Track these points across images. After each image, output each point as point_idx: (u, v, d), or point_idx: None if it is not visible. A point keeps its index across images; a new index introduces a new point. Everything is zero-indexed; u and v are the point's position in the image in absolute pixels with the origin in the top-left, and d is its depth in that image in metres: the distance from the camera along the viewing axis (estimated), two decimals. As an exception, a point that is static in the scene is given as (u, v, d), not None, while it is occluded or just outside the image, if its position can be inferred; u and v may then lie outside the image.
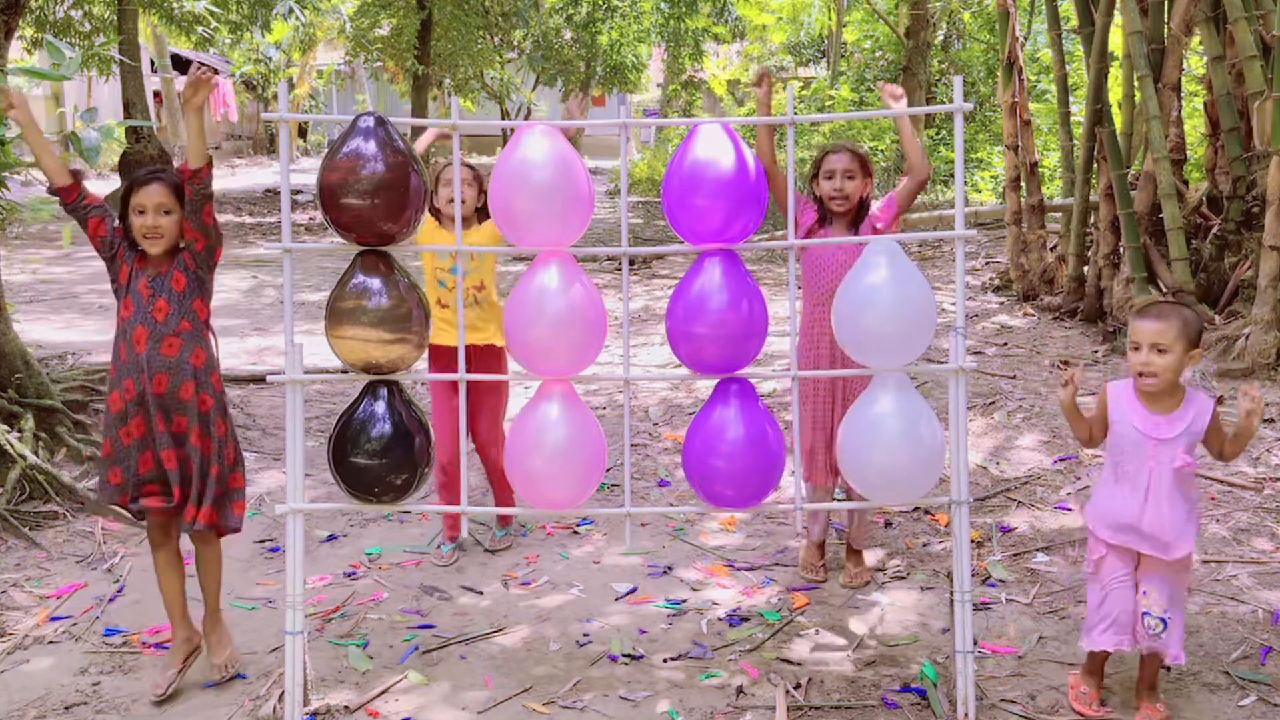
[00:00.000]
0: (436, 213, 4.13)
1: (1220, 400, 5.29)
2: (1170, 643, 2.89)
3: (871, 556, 4.09)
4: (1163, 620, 2.88)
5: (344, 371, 3.14)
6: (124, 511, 3.21)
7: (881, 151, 15.79)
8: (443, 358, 4.08)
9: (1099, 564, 2.98)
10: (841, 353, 3.57)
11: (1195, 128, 9.03)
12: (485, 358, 4.10)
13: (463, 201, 4.06)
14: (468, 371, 4.20)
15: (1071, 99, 8.95)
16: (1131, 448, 2.89)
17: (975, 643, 3.22)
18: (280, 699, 3.05)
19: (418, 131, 4.38)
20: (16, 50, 13.62)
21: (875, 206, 3.71)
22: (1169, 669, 3.20)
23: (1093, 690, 3.05)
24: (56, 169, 3.06)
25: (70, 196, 3.08)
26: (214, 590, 3.23)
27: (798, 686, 3.19)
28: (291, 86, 22.26)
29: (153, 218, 3.02)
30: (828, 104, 17.65)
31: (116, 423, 3.08)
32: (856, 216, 3.70)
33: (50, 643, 3.52)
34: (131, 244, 3.10)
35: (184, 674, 3.19)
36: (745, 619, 3.66)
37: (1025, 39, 14.59)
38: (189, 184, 3.00)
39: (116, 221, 3.11)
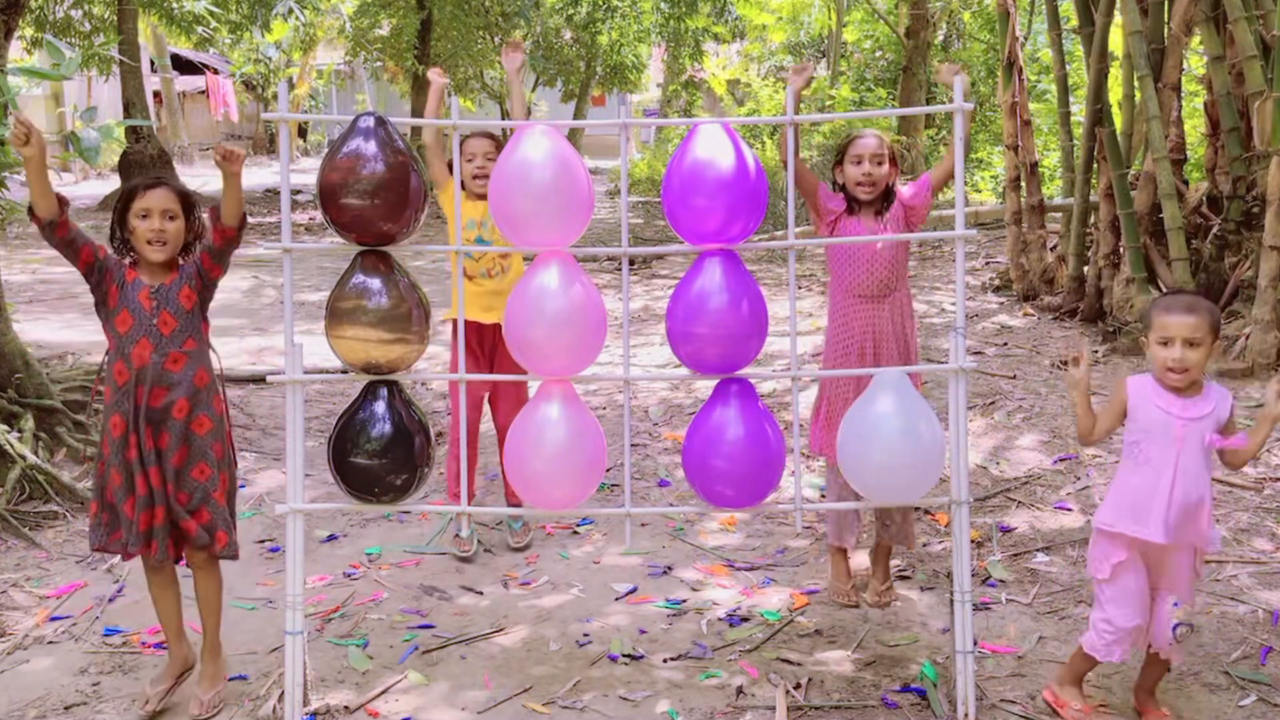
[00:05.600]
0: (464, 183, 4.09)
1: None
2: (1186, 646, 2.90)
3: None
4: (1190, 626, 2.87)
5: (344, 371, 3.14)
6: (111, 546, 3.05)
7: (882, 151, 15.76)
8: (469, 333, 4.02)
9: (1116, 571, 2.87)
10: (878, 350, 3.58)
11: (1195, 128, 9.03)
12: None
13: (489, 176, 3.98)
14: (492, 347, 4.22)
15: (1071, 99, 8.95)
16: (1159, 430, 2.82)
17: (975, 643, 3.21)
18: (280, 699, 3.05)
19: (418, 132, 4.34)
20: (16, 50, 13.62)
21: (905, 189, 3.62)
22: (1169, 669, 3.19)
23: (1082, 703, 2.99)
24: (49, 204, 2.91)
25: (63, 231, 2.93)
26: (214, 623, 3.15)
27: (798, 686, 3.19)
28: (291, 86, 22.28)
29: (159, 221, 2.96)
30: (828, 104, 17.65)
31: (119, 450, 2.97)
32: (883, 204, 3.63)
33: (50, 643, 3.52)
34: (120, 256, 3.03)
35: (174, 691, 3.12)
36: (745, 619, 3.66)
37: (1025, 39, 14.59)
38: (226, 242, 3.01)
39: (99, 242, 3.01)
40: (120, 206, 3.01)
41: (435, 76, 4.05)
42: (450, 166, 4.06)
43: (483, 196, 4.05)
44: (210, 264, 3.04)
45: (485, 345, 4.20)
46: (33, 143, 2.85)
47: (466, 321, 4.00)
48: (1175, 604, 2.86)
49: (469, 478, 4.28)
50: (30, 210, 2.93)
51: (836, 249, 3.64)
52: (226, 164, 2.98)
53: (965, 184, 3.07)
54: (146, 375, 2.96)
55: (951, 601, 3.05)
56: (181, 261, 3.07)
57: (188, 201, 3.04)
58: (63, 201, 2.95)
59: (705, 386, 3.23)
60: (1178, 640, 2.88)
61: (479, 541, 4.36)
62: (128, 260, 3.05)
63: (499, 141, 4.13)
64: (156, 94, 24.19)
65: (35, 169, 2.87)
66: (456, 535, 4.27)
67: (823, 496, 4.40)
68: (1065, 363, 3.03)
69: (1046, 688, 3.09)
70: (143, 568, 3.12)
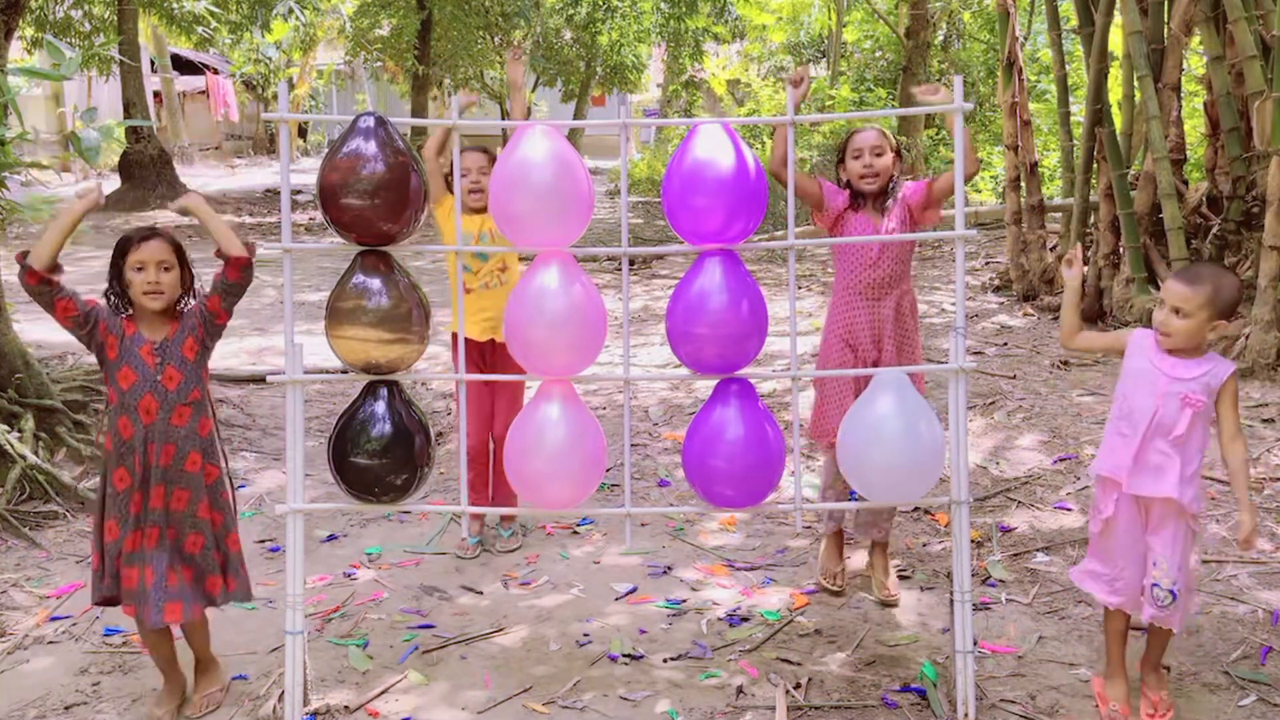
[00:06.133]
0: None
1: None
2: (1175, 614, 2.86)
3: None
4: (1171, 593, 2.85)
5: (344, 371, 3.14)
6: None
7: (883, 150, 15.74)
8: (468, 349, 4.01)
9: (1107, 525, 2.92)
10: (874, 344, 3.57)
11: (1195, 128, 9.03)
12: (506, 352, 4.03)
13: (482, 191, 3.98)
14: (491, 363, 4.23)
15: (1071, 99, 8.95)
16: (1143, 381, 2.87)
17: (975, 643, 3.22)
18: (280, 699, 3.05)
19: (419, 133, 4.33)
20: (16, 50, 13.62)
21: (907, 186, 3.62)
22: (1169, 669, 3.19)
23: (1123, 704, 2.98)
24: (51, 259, 2.89)
25: (33, 279, 2.86)
26: (204, 648, 3.15)
27: (798, 686, 3.19)
28: (291, 86, 22.27)
29: (154, 273, 2.93)
30: (828, 104, 17.64)
31: (122, 505, 2.93)
32: (886, 199, 3.61)
33: (50, 643, 3.52)
34: (115, 310, 3.00)
35: (181, 710, 3.11)
36: (745, 619, 3.66)
37: (1025, 39, 14.59)
38: (240, 271, 2.98)
39: (83, 296, 2.98)
40: (115, 260, 2.98)
41: (459, 102, 3.97)
42: (448, 181, 4.06)
43: (477, 210, 4.05)
44: (218, 307, 3.00)
45: (485, 362, 4.20)
46: (89, 198, 2.96)
47: (468, 339, 4.02)
48: (1155, 564, 2.88)
49: (486, 481, 4.29)
50: (23, 255, 2.87)
51: (840, 246, 3.64)
52: (189, 211, 3.06)
53: (965, 184, 3.07)
54: (155, 432, 2.94)
55: (951, 601, 3.05)
56: (180, 308, 3.04)
57: (181, 252, 3.02)
58: (57, 267, 2.93)
59: (705, 386, 3.23)
60: (1154, 601, 2.86)
61: (486, 549, 4.32)
62: (124, 314, 3.01)
63: (492, 156, 4.10)
64: (156, 94, 24.20)
65: (72, 219, 2.95)
66: (463, 538, 4.24)
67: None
68: (1065, 363, 3.05)
69: (1095, 676, 3.10)
70: (136, 623, 3.05)
